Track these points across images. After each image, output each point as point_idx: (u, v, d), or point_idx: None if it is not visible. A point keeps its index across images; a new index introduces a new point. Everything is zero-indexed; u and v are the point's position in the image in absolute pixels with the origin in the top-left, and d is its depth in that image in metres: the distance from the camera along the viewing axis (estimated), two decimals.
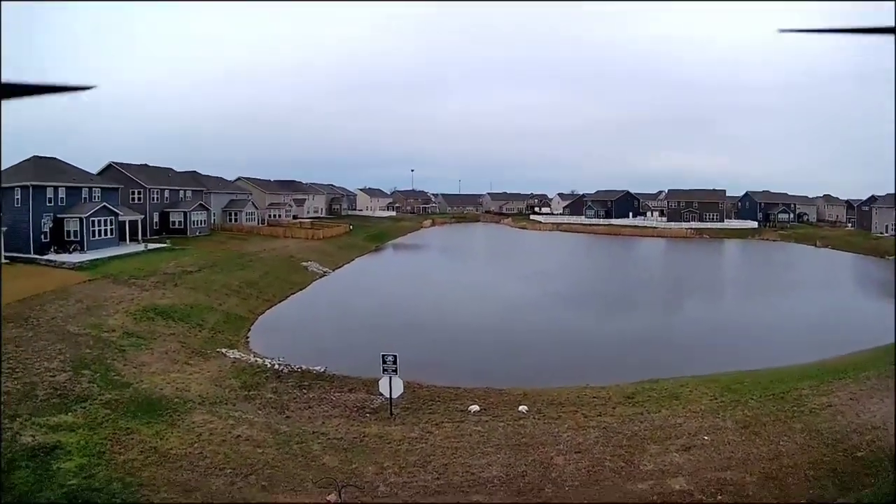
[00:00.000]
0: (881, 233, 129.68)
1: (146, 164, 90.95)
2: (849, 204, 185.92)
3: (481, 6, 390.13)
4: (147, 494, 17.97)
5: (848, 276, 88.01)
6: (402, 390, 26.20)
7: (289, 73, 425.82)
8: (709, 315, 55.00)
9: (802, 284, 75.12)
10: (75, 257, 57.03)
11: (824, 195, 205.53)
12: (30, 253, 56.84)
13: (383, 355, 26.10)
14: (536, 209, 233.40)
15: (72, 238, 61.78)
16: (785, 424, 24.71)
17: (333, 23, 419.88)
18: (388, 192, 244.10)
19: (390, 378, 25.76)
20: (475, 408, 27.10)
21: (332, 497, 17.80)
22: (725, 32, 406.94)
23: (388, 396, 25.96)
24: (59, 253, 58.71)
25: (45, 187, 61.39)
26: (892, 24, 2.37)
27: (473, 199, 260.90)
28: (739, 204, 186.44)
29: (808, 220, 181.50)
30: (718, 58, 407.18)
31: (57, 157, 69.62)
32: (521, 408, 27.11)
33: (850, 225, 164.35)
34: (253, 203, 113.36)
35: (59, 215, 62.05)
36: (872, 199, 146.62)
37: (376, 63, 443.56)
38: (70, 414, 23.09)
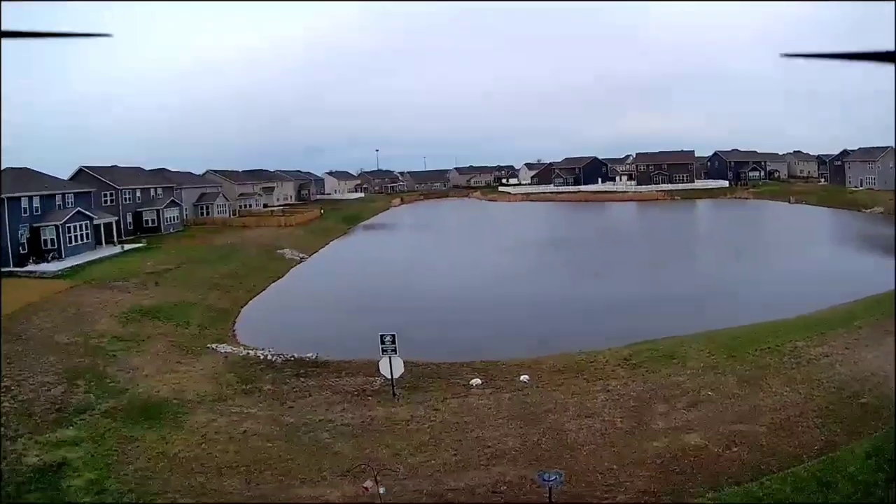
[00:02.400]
0: (856, 187, 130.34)
1: (116, 166, 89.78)
2: (820, 159, 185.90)
3: None
4: None
5: (826, 231, 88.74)
6: (402, 370, 26.01)
7: (246, 60, 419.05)
8: (693, 274, 55.52)
9: (781, 240, 75.90)
10: (54, 266, 56.19)
11: (794, 151, 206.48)
12: (9, 266, 55.69)
13: (381, 335, 25.90)
14: (504, 181, 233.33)
15: (49, 246, 60.70)
16: (785, 376, 25.14)
17: (292, 5, 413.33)
18: (356, 174, 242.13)
19: (390, 358, 25.54)
20: (477, 381, 27.08)
21: (369, 483, 17.45)
22: None
23: (390, 377, 25.77)
24: (38, 263, 57.72)
25: (19, 198, 60.26)
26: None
27: (440, 175, 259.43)
28: (709, 164, 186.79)
29: (778, 176, 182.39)
30: (685, 17, 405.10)
31: (28, 166, 68.74)
32: (522, 377, 27.16)
33: (822, 180, 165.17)
34: (223, 195, 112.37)
35: (34, 224, 60.99)
36: (845, 153, 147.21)
37: (334, 43, 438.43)
38: (71, 428, 22.74)
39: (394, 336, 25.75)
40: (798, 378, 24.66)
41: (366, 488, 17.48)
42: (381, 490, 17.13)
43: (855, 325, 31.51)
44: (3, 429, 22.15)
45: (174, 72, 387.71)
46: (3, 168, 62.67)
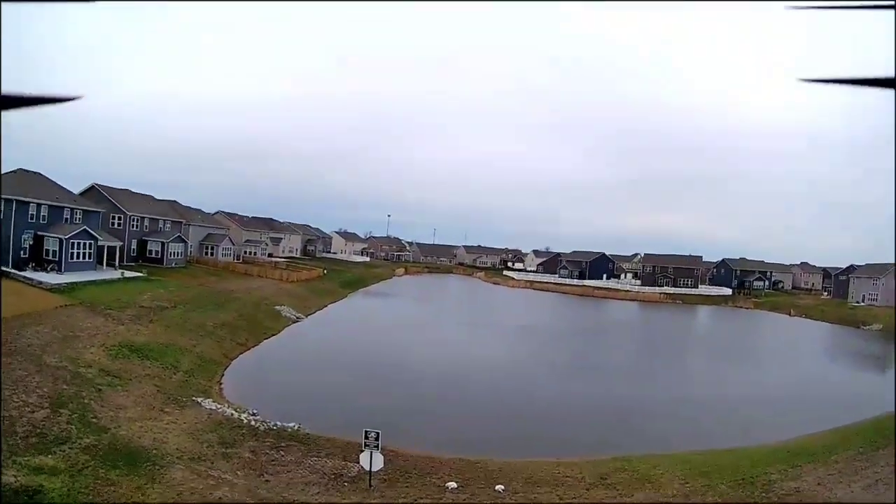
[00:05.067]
0: (857, 302, 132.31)
1: (128, 190, 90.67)
2: (825, 272, 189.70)
3: (461, 52, 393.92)
4: None
5: (821, 347, 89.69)
6: (381, 465, 26.04)
7: (271, 108, 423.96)
8: (681, 385, 55.10)
9: (775, 355, 76.57)
10: (53, 278, 56.39)
11: (801, 262, 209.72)
12: (8, 266, 55.96)
13: (366, 431, 25.88)
14: (510, 264, 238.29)
15: (50, 257, 61.10)
16: None
17: (315, 61, 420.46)
18: (363, 237, 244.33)
19: (371, 453, 25.62)
20: (452, 485, 26.94)
21: None
22: (710, 98, 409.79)
23: (368, 469, 25.79)
24: (37, 271, 58.08)
25: (28, 203, 60.82)
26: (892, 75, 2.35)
27: (447, 249, 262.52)
28: (715, 270, 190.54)
29: (783, 287, 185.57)
30: (700, 122, 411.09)
31: (41, 172, 69.28)
32: (497, 487, 27.00)
33: (826, 294, 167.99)
34: (230, 238, 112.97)
35: (39, 233, 61.36)
36: (851, 268, 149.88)
37: (355, 106, 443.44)
38: (50, 456, 22.66)
39: (378, 433, 25.84)
40: None
41: None
42: None
43: (832, 458, 31.74)
44: None
45: (191, 109, 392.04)
46: (17, 169, 63.46)
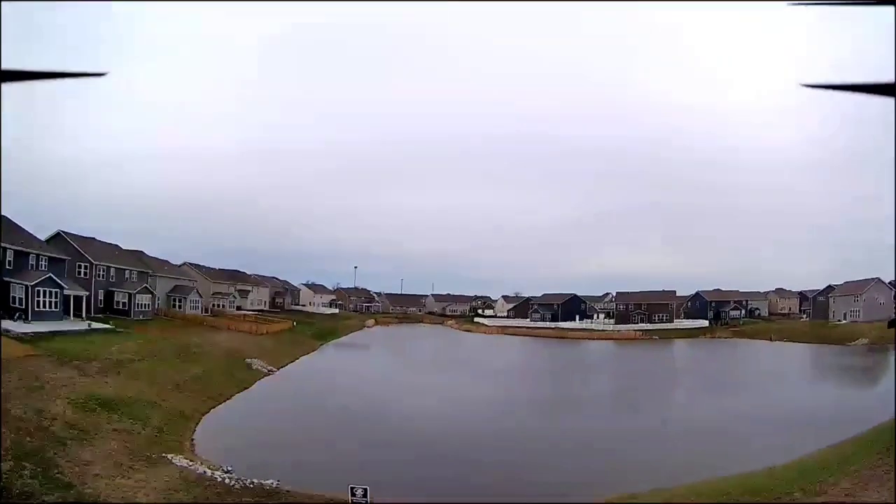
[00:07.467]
0: (839, 321, 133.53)
1: (94, 238, 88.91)
2: (802, 295, 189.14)
3: (424, 101, 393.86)
4: None
5: (809, 367, 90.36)
6: None
7: (235, 161, 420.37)
8: (670, 416, 53.57)
9: (762, 379, 75.71)
10: (19, 326, 54.72)
11: (776, 289, 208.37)
12: None
13: (352, 488, 24.60)
14: (480, 311, 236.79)
15: (17, 305, 59.25)
16: None
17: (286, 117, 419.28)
18: (332, 289, 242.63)
19: None
20: None
21: None
22: (679, 121, 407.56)
23: None
24: (3, 318, 56.25)
25: None
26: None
27: (416, 299, 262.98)
28: (689, 304, 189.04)
29: (759, 314, 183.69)
30: (670, 151, 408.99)
31: (7, 215, 67.33)
32: None
33: (805, 316, 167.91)
34: (198, 291, 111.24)
35: (5, 279, 59.54)
36: (829, 288, 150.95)
37: (320, 157, 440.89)
38: None
39: (366, 490, 24.52)
40: None
41: None
42: None
43: (851, 468, 29.38)
44: None
45: (161, 158, 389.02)
46: None
